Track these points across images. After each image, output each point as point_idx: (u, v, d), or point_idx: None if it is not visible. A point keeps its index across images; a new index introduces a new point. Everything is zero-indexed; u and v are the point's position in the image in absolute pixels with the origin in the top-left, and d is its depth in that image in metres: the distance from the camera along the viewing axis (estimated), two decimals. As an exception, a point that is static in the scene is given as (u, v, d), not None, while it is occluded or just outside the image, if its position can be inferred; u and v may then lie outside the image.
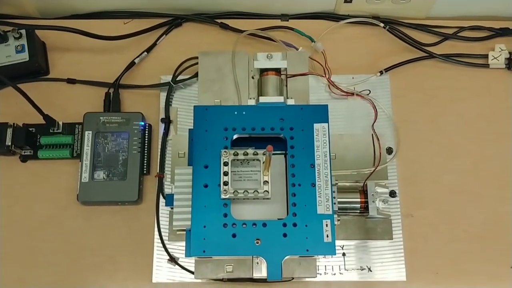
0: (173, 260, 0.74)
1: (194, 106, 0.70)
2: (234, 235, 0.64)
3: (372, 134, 0.79)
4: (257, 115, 0.69)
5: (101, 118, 0.78)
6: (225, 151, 0.66)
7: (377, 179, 0.75)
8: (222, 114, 0.69)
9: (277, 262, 0.64)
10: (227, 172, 0.66)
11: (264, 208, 0.67)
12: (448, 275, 0.76)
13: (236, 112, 0.69)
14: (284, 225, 0.65)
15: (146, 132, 0.79)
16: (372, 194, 0.72)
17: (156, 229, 0.75)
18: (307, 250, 0.64)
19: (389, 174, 0.78)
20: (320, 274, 0.75)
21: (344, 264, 0.75)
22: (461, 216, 0.78)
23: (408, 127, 0.82)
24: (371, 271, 0.75)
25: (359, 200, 0.72)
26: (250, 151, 0.67)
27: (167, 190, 0.77)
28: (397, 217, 0.77)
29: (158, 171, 0.78)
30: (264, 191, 0.65)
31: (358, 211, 0.73)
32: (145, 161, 0.78)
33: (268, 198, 0.65)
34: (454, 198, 0.79)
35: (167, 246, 0.75)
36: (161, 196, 0.76)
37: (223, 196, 0.65)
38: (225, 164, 0.66)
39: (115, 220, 0.77)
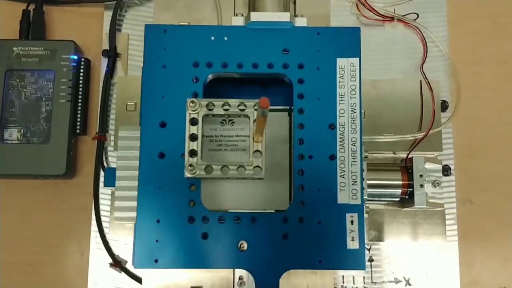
0: (117, 264, 0.55)
1: (146, 25, 0.52)
2: (205, 236, 0.48)
3: (421, 81, 0.58)
4: (246, 43, 0.52)
5: (14, 48, 0.60)
6: (192, 102, 0.48)
7: (424, 150, 0.56)
8: (190, 40, 0.52)
9: (271, 280, 0.47)
10: (196, 136, 0.48)
11: (254, 193, 0.53)
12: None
13: (213, 37, 0.52)
14: (285, 220, 0.48)
15: (82, 70, 0.60)
16: (420, 175, 0.52)
17: (93, 216, 0.57)
18: (320, 262, 0.48)
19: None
20: (337, 288, 0.56)
21: (371, 274, 0.56)
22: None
23: (469, 70, 0.61)
24: (410, 284, 0.56)
25: (400, 183, 0.53)
26: (234, 102, 0.48)
27: (111, 159, 0.59)
28: (451, 205, 0.57)
29: (97, 130, 0.58)
30: (255, 166, 0.47)
31: (398, 198, 0.53)
32: (79, 115, 0.59)
33: (261, 178, 0.48)
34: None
35: (110, 241, 0.56)
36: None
37: (188, 174, 0.47)
38: (193, 122, 0.48)
39: (34, 201, 0.60)
